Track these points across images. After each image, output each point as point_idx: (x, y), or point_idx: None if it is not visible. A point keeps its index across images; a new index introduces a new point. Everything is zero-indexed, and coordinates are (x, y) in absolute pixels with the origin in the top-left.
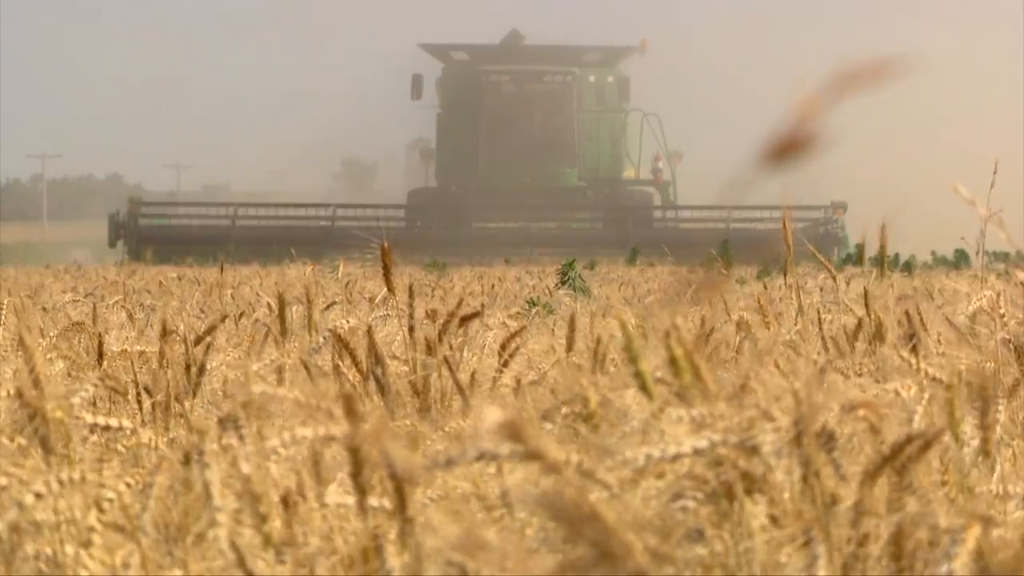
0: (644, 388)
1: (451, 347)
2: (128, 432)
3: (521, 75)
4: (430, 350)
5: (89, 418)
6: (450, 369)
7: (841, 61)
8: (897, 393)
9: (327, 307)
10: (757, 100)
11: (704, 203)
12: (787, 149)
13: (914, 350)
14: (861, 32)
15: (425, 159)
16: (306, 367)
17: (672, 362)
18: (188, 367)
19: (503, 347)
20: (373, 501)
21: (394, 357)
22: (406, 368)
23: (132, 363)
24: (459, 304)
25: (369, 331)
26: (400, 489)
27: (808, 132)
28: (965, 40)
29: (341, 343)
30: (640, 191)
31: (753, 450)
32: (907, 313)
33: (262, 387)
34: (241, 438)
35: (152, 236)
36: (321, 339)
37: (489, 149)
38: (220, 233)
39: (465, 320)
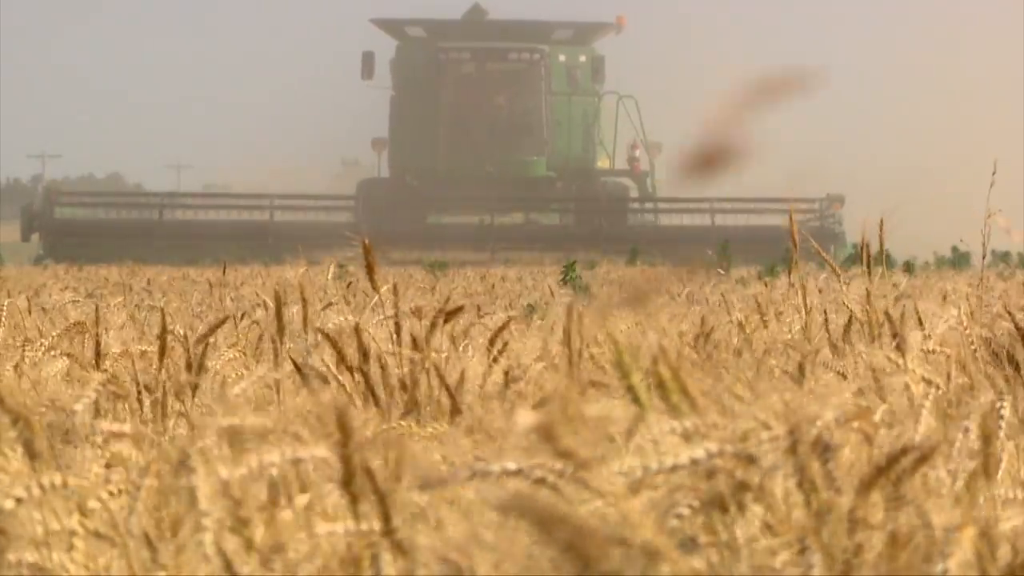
0: (637, 401)
1: (438, 345)
2: (127, 433)
3: (483, 53)
4: (416, 347)
5: (84, 416)
6: (436, 368)
7: (758, 73)
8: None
9: (323, 307)
10: (743, 83)
11: (686, 195)
12: (707, 162)
13: (899, 349)
14: (854, 11)
15: (377, 148)
16: (300, 373)
17: (659, 385)
18: (188, 366)
19: (491, 342)
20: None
21: (381, 354)
22: (393, 365)
23: (132, 363)
24: (446, 301)
25: (357, 330)
26: (383, 502)
27: (726, 146)
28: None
29: (331, 344)
30: (615, 182)
31: (750, 460)
32: (887, 313)
33: (229, 420)
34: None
35: (70, 229)
36: (315, 340)
37: (448, 135)
38: (145, 227)
39: (450, 316)
